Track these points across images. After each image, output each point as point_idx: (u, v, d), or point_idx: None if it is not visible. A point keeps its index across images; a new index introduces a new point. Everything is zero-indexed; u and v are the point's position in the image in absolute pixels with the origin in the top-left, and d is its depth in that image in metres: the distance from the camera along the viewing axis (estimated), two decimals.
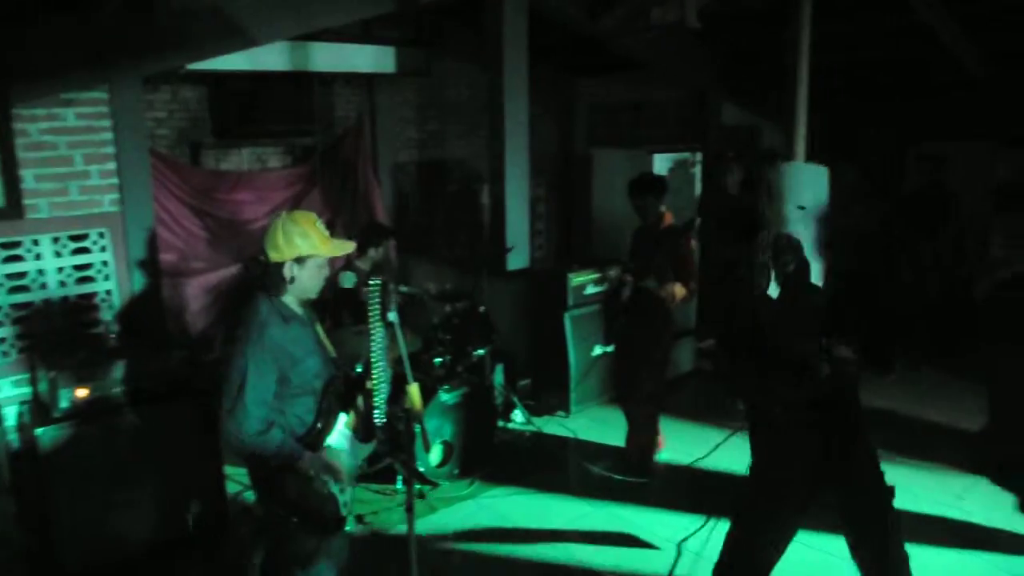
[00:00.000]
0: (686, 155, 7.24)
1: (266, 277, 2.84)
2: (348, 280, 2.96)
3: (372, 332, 2.97)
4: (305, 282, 2.86)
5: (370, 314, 2.95)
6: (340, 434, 3.00)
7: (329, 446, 2.94)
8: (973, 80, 6.48)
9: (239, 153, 6.43)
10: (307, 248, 2.80)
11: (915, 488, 4.57)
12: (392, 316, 2.92)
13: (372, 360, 3.02)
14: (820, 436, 3.01)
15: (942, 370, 6.44)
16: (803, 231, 3.39)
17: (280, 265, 2.81)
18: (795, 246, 3.13)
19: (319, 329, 3.09)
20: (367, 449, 3.18)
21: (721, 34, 6.73)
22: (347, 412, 3.04)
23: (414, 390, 2.90)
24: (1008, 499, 4.54)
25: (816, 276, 3.13)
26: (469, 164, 7.91)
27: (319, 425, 2.92)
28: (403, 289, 2.94)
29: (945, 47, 5.97)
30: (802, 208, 3.52)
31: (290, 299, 2.90)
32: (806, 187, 3.88)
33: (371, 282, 2.93)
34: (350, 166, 6.83)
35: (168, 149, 5.99)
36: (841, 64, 6.83)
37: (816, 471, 3.05)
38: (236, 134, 6.23)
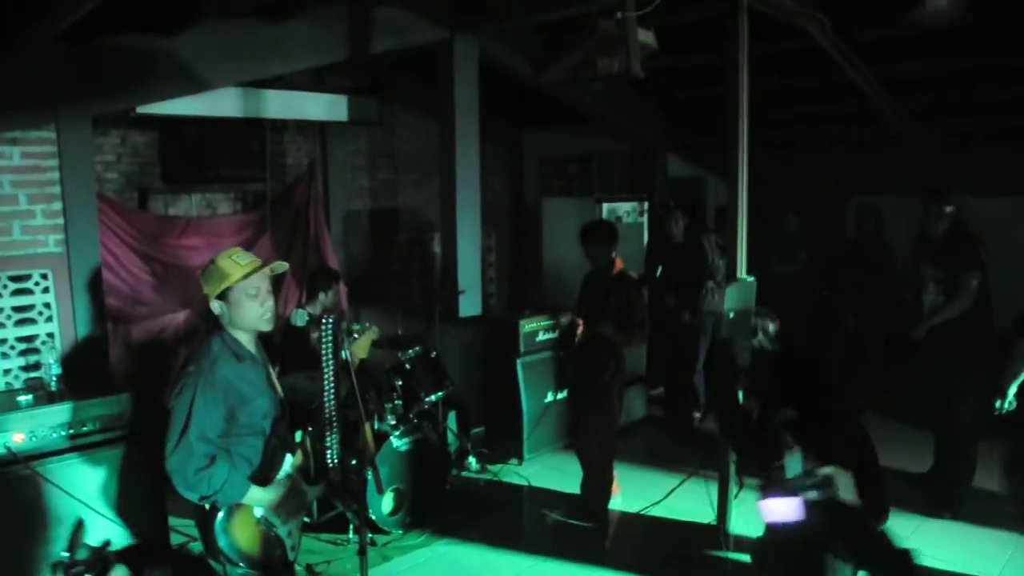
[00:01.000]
0: (632, 204, 7.44)
1: (209, 319, 2.85)
2: (300, 318, 2.93)
3: (324, 370, 2.93)
4: (241, 314, 2.81)
5: (323, 352, 2.92)
6: (286, 475, 2.94)
7: (279, 483, 2.89)
8: (900, 135, 6.83)
9: (188, 199, 6.37)
10: (222, 282, 2.78)
11: None
12: (345, 354, 2.90)
13: (324, 400, 2.98)
14: None
15: (883, 415, 6.60)
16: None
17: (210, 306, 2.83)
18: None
19: (271, 370, 3.05)
20: (315, 491, 3.12)
21: (665, 89, 6.99)
22: (293, 453, 2.99)
23: (367, 429, 2.87)
24: (952, 537, 4.63)
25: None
26: (421, 213, 7.96)
27: (265, 466, 2.87)
28: (355, 327, 2.92)
29: (872, 105, 6.29)
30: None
31: (242, 336, 2.87)
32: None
33: (323, 320, 2.91)
34: (301, 213, 6.81)
35: (116, 193, 5.91)
36: (782, 119, 7.13)
37: None
38: (186, 179, 6.19)
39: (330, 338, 2.92)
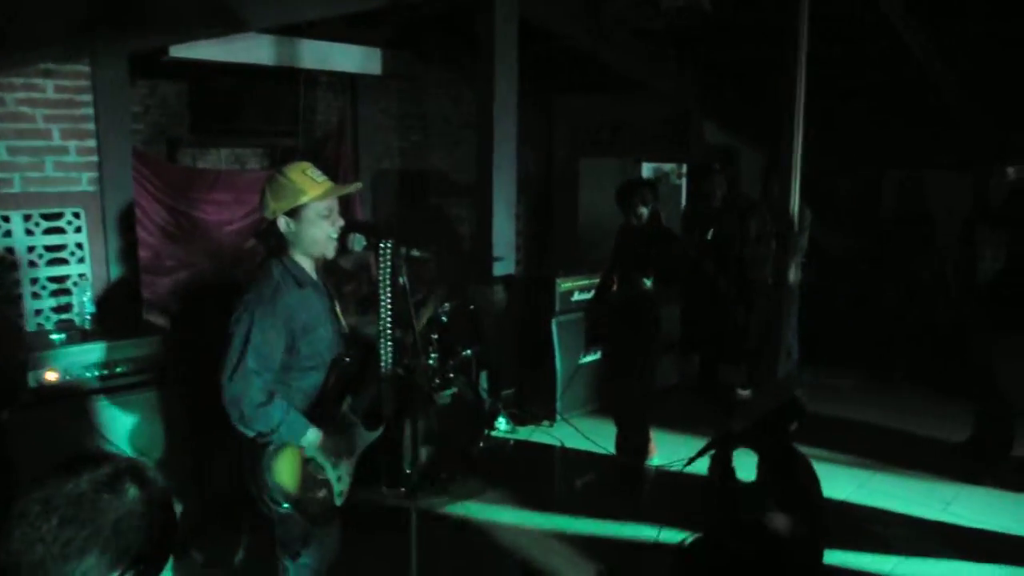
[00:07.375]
0: (671, 166, 7.29)
1: (270, 238, 2.65)
2: (357, 243, 2.76)
3: (381, 297, 2.77)
4: (310, 234, 2.63)
5: (379, 278, 2.76)
6: (343, 417, 2.79)
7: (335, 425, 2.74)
8: (949, 107, 6.61)
9: (217, 153, 6.24)
10: (297, 197, 2.58)
11: (904, 494, 4.64)
12: (402, 279, 2.74)
13: (380, 328, 2.81)
14: None
15: (923, 385, 6.50)
16: None
17: (275, 223, 2.62)
18: None
19: (336, 301, 2.89)
20: (372, 436, 2.94)
21: (703, 50, 6.81)
22: (354, 395, 2.82)
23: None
24: (995, 502, 4.56)
25: None
26: (451, 176, 7.81)
27: (325, 402, 2.73)
28: (414, 253, 2.75)
29: (925, 73, 6.08)
30: None
31: (304, 261, 2.70)
32: None
33: (381, 244, 2.75)
34: (331, 170, 6.65)
35: (144, 145, 5.77)
36: (824, 88, 6.92)
37: None
38: (215, 131, 6.05)
39: (388, 263, 2.76)
